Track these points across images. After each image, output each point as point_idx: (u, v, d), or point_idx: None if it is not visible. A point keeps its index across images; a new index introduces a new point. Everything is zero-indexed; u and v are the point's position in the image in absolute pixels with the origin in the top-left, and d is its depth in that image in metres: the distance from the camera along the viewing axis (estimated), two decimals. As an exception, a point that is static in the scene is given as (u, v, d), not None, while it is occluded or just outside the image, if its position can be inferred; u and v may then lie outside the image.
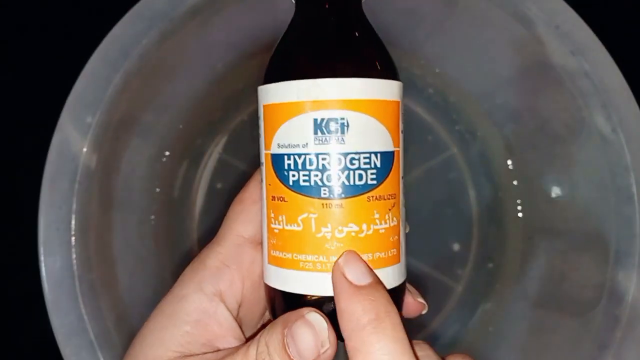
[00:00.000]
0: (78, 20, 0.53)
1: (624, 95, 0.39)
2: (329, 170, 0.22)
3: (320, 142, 0.22)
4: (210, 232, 0.46)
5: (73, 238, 0.36)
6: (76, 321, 0.36)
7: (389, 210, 0.24)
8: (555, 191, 0.46)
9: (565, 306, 0.42)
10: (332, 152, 0.22)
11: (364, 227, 0.23)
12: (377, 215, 0.23)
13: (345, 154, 0.22)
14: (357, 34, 0.24)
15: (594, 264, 0.41)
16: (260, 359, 0.24)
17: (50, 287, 0.36)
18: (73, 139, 0.36)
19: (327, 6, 0.24)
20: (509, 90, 0.47)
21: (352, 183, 0.22)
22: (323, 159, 0.22)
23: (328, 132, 0.22)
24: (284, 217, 0.23)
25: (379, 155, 0.23)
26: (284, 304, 0.25)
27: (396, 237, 0.24)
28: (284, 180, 0.23)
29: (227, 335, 0.27)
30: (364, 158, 0.23)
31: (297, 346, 0.23)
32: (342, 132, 0.22)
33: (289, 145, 0.23)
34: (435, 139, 0.53)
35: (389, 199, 0.24)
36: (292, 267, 0.23)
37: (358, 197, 0.23)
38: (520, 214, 0.50)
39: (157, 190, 0.46)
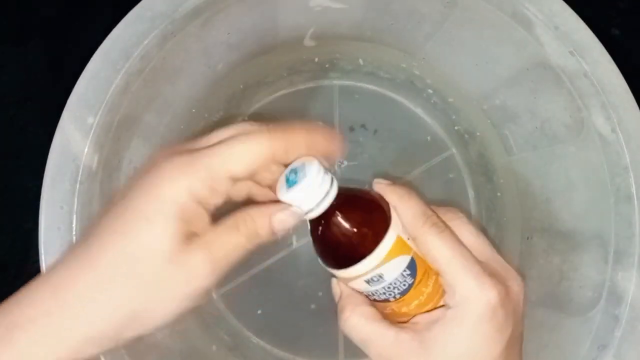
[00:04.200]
0: (79, 20, 0.53)
1: (623, 96, 0.39)
2: (382, 295, 0.34)
3: (370, 285, 0.33)
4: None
5: (74, 238, 0.36)
6: (77, 321, 0.36)
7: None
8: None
9: (565, 306, 0.42)
10: (379, 288, 0.33)
11: (420, 298, 0.34)
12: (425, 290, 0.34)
13: (386, 287, 0.34)
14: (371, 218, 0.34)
15: (593, 264, 0.41)
16: (252, 237, 0.30)
17: (51, 287, 0.36)
18: (74, 140, 0.36)
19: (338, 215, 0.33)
20: (508, 91, 0.47)
21: (401, 289, 0.33)
22: (374, 292, 0.34)
23: (375, 281, 0.33)
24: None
25: (407, 269, 0.33)
26: None
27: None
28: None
29: None
30: (398, 279, 0.33)
31: (281, 225, 0.31)
32: (381, 278, 0.33)
33: (358, 289, 0.34)
34: (434, 139, 0.53)
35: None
36: None
37: (410, 292, 0.34)
38: (519, 214, 0.50)
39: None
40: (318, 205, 0.32)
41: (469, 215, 0.52)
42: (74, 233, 0.36)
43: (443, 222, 0.33)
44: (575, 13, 0.40)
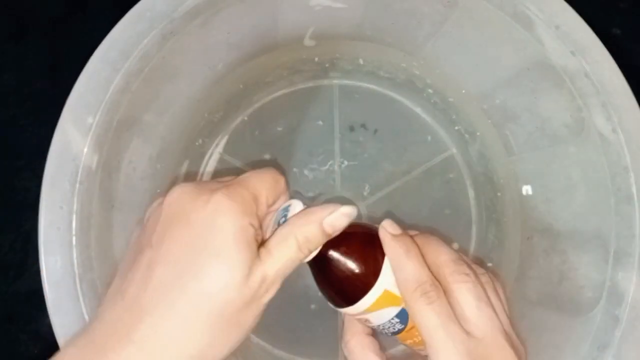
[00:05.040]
0: (79, 20, 0.53)
1: (624, 95, 0.39)
2: (375, 329, 0.35)
3: (361, 322, 0.35)
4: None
5: (74, 238, 0.36)
6: (77, 321, 0.36)
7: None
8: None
9: (565, 306, 0.42)
10: (370, 325, 0.35)
11: (414, 339, 0.35)
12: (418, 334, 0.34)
13: (376, 327, 0.35)
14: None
15: (594, 264, 0.41)
16: (305, 247, 0.31)
17: (51, 287, 0.36)
18: (74, 139, 0.36)
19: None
20: (508, 91, 0.47)
21: (392, 332, 0.34)
22: (368, 325, 0.35)
23: (364, 321, 0.34)
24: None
25: (395, 318, 0.33)
26: None
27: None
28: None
29: None
30: (386, 324, 0.34)
31: (335, 227, 0.32)
32: (368, 321, 0.34)
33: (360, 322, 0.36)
34: (434, 139, 0.53)
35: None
36: None
37: (402, 334, 0.34)
38: (519, 214, 0.50)
39: (158, 190, 0.46)
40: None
41: (469, 216, 0.52)
42: (73, 233, 0.36)
43: (437, 290, 0.32)
44: (576, 13, 0.40)
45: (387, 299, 0.33)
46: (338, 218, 0.32)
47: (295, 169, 0.51)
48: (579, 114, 0.41)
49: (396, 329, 0.34)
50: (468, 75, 0.49)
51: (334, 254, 0.33)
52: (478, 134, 0.52)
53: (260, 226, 0.31)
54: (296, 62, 0.52)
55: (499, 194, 0.52)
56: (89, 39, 0.38)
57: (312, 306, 0.50)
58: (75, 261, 0.36)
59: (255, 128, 0.52)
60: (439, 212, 0.52)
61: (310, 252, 0.32)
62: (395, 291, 0.33)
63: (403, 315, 0.33)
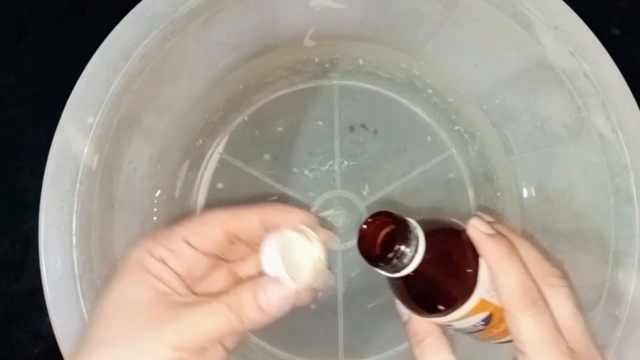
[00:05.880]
0: (79, 20, 0.53)
1: (623, 95, 0.39)
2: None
3: (439, 325, 0.32)
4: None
5: (74, 238, 0.36)
6: (77, 321, 0.36)
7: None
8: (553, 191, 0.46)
9: (565, 306, 0.42)
10: (447, 328, 0.32)
11: (485, 335, 0.33)
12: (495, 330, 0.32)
13: (454, 329, 0.33)
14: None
15: (594, 264, 0.41)
16: (233, 304, 0.29)
17: (51, 287, 0.36)
18: (74, 140, 0.36)
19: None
20: (508, 91, 0.47)
21: (469, 331, 0.32)
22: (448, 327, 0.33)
23: (444, 325, 0.32)
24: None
25: (481, 322, 0.31)
26: None
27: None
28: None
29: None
30: (469, 327, 0.32)
31: (267, 296, 0.30)
32: (450, 326, 0.32)
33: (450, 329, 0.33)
34: (434, 139, 0.53)
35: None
36: None
37: (477, 332, 0.32)
38: (519, 214, 0.50)
39: (159, 190, 0.46)
40: (409, 262, 0.28)
41: (469, 216, 0.52)
42: (73, 233, 0.36)
43: (543, 298, 0.29)
44: (575, 13, 0.40)
45: (479, 307, 0.30)
46: (277, 291, 0.30)
47: (295, 169, 0.51)
48: (579, 114, 0.41)
49: (475, 329, 0.31)
50: (468, 75, 0.49)
51: (428, 267, 0.29)
52: (478, 134, 0.52)
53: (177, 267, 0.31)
54: (296, 63, 0.52)
55: (499, 194, 0.52)
56: (89, 39, 0.38)
57: (312, 306, 0.50)
58: (75, 261, 0.36)
59: (255, 128, 0.52)
60: (439, 212, 0.52)
61: (240, 330, 0.30)
62: (488, 297, 0.30)
63: (488, 319, 0.31)
